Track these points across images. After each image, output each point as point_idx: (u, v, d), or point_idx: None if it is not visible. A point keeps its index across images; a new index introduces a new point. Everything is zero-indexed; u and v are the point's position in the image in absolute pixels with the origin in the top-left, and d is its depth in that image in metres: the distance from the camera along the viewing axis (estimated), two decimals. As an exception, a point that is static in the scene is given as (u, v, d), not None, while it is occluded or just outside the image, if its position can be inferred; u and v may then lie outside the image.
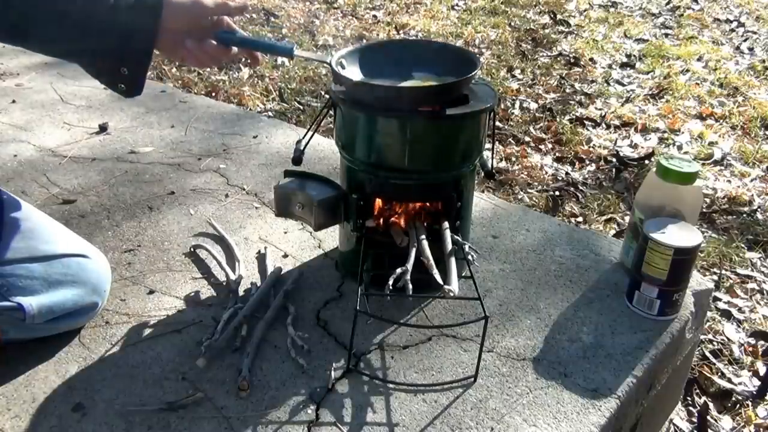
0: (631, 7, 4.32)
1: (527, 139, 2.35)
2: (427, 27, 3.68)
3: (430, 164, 0.95)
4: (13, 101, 1.82)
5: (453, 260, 0.90)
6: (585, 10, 4.16)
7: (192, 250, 1.15)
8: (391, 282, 0.85)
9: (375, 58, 1.01)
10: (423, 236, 0.94)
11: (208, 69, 2.90)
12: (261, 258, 1.13)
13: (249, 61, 0.96)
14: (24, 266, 0.88)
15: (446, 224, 0.97)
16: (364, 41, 3.38)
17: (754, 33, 3.82)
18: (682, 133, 2.46)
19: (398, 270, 0.86)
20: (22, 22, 0.78)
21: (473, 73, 0.91)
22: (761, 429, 1.24)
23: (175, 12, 0.84)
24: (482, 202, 1.34)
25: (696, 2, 4.43)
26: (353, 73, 0.97)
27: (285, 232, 1.22)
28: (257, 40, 0.93)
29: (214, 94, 2.59)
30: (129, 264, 1.11)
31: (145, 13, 0.82)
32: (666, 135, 2.43)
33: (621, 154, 2.23)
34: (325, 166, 1.46)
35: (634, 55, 3.31)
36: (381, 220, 1.01)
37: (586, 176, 2.12)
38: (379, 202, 1.00)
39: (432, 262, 0.89)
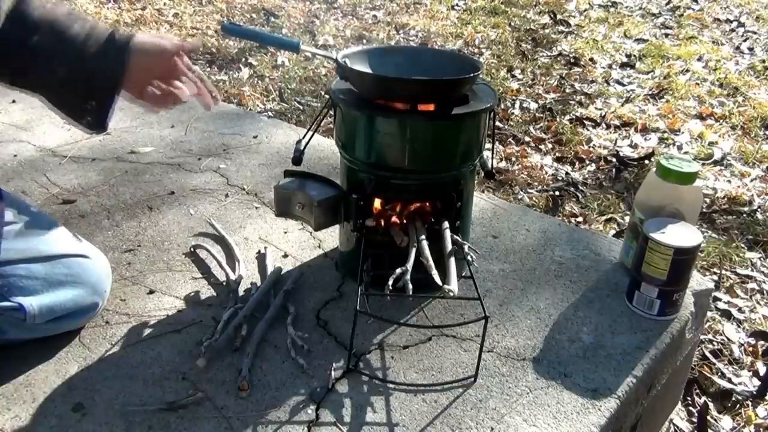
0: (631, 7, 4.32)
1: (527, 139, 2.35)
2: (427, 27, 3.68)
3: (430, 164, 0.95)
4: (13, 101, 1.82)
5: (453, 260, 0.90)
6: (585, 10, 4.16)
7: (192, 250, 1.15)
8: (391, 282, 0.85)
9: (377, 60, 1.01)
10: (423, 236, 0.94)
11: (208, 69, 2.90)
12: (261, 258, 1.13)
13: (200, 102, 1.00)
14: (24, 266, 0.88)
15: (446, 224, 0.97)
16: (365, 41, 3.39)
17: (754, 33, 3.82)
18: (682, 133, 2.46)
19: (398, 270, 0.86)
20: None
21: (477, 73, 0.92)
22: (761, 429, 1.24)
23: (140, 57, 0.88)
24: (482, 202, 1.34)
25: (696, 2, 4.43)
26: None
27: (285, 232, 1.22)
28: (264, 34, 0.94)
29: (214, 94, 2.59)
30: (129, 264, 1.11)
31: (112, 59, 0.86)
32: (666, 135, 2.43)
33: (621, 154, 2.23)
34: (325, 166, 1.46)
35: (634, 55, 3.31)
36: (381, 220, 1.01)
37: (586, 176, 2.12)
38: (379, 202, 1.00)
39: (431, 262, 0.89)
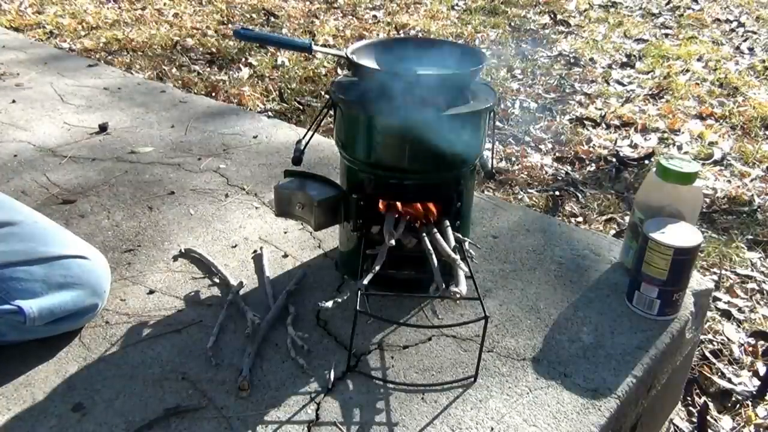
0: (631, 7, 4.32)
1: (527, 139, 2.35)
2: (427, 27, 3.68)
3: (430, 164, 0.95)
4: (13, 101, 1.82)
5: (459, 261, 0.89)
6: (585, 10, 4.16)
7: (182, 251, 1.14)
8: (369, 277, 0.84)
9: (383, 54, 1.01)
10: (424, 236, 0.94)
11: (209, 69, 2.90)
12: (258, 258, 1.13)
13: None
14: (24, 269, 0.88)
15: (447, 224, 0.97)
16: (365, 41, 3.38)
17: (754, 33, 3.82)
18: (682, 133, 2.46)
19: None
20: None
21: (481, 66, 0.92)
22: (761, 429, 1.24)
23: None
24: (482, 202, 1.33)
25: (696, 2, 4.43)
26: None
27: (285, 232, 1.22)
28: (276, 36, 0.96)
29: (214, 94, 2.59)
30: (129, 264, 1.11)
31: None
32: (666, 135, 2.43)
33: (621, 154, 2.23)
34: (325, 166, 1.46)
35: (634, 55, 3.30)
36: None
37: (586, 176, 2.12)
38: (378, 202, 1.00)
39: (434, 262, 0.88)
